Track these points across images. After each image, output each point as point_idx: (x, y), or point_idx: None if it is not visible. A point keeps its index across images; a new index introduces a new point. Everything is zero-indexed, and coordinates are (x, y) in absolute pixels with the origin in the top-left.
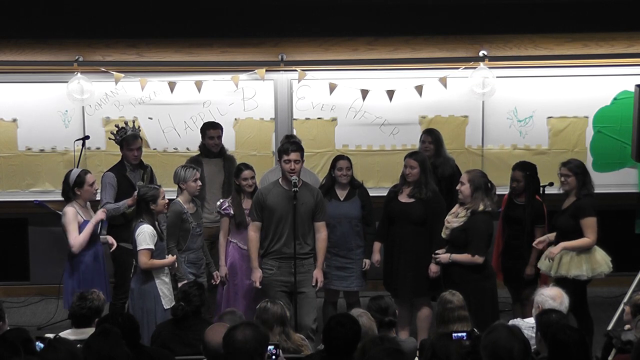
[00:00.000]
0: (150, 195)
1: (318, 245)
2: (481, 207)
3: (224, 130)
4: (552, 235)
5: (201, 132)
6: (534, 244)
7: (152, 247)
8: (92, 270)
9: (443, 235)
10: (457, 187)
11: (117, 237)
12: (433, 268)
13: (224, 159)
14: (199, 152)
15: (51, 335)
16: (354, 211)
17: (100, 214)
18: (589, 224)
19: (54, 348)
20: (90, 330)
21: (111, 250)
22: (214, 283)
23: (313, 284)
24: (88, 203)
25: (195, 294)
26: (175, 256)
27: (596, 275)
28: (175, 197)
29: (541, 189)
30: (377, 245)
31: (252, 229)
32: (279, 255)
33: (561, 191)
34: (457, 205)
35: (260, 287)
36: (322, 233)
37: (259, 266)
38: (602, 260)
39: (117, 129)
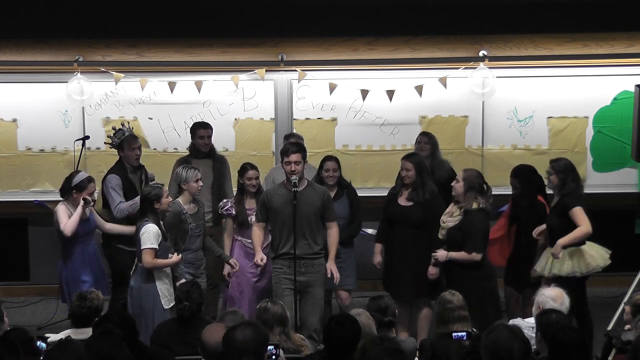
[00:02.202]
0: (154, 194)
1: (329, 240)
2: (475, 206)
3: (221, 130)
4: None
5: (191, 132)
6: (534, 233)
7: (157, 246)
8: (83, 272)
9: (440, 236)
10: (452, 184)
11: (115, 238)
12: (432, 270)
13: (213, 160)
14: (188, 153)
15: (52, 335)
16: (343, 211)
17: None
18: (577, 213)
19: (61, 349)
20: (90, 330)
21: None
22: (230, 273)
23: (329, 276)
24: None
25: (196, 292)
26: (180, 256)
27: (591, 270)
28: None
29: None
30: (378, 247)
31: (257, 227)
32: (286, 256)
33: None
34: (451, 205)
35: (262, 264)
36: (333, 229)
37: (270, 268)
38: (596, 254)
39: (113, 131)
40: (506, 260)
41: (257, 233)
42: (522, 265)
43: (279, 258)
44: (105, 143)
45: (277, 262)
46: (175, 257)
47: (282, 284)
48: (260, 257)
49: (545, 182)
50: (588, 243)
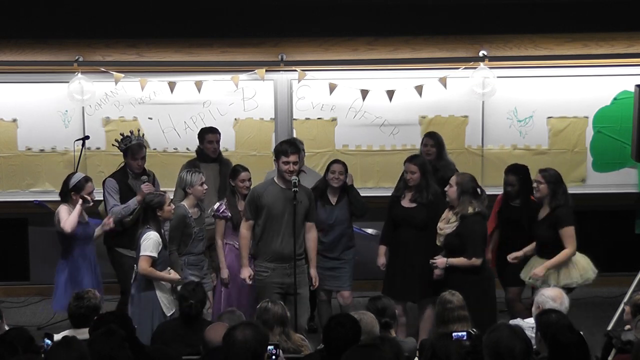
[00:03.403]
0: (156, 202)
1: (310, 245)
2: (470, 210)
3: (221, 130)
4: (529, 249)
5: (199, 137)
6: (509, 258)
7: (155, 255)
8: (82, 272)
9: (437, 243)
10: (445, 189)
11: (115, 242)
12: (437, 271)
13: (220, 164)
14: (195, 157)
15: (55, 334)
16: (345, 214)
17: (107, 221)
18: (568, 233)
19: (66, 347)
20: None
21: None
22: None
23: (313, 283)
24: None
25: (201, 292)
26: (178, 277)
27: (584, 281)
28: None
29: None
30: (382, 249)
31: (244, 227)
32: (273, 256)
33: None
34: (447, 210)
35: (251, 283)
36: (312, 233)
37: (252, 268)
38: (587, 266)
39: (121, 136)
40: (494, 260)
41: (246, 236)
42: (509, 265)
43: (261, 258)
44: (112, 145)
45: (260, 264)
46: (174, 276)
47: (270, 289)
48: (249, 274)
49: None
50: (578, 254)
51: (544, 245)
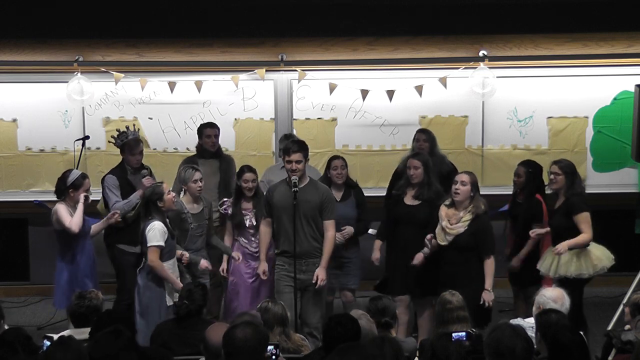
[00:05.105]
0: (156, 193)
1: (324, 243)
2: (483, 207)
3: (221, 130)
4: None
5: (198, 132)
6: (530, 233)
7: (162, 244)
8: (83, 269)
9: (443, 242)
10: (457, 187)
11: (117, 239)
12: (419, 257)
13: (220, 160)
14: (195, 153)
15: (55, 335)
16: (350, 211)
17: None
18: (583, 219)
19: (64, 346)
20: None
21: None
22: (223, 269)
23: (313, 281)
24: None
25: (199, 293)
26: (181, 285)
27: (598, 271)
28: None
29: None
30: (377, 244)
31: (263, 225)
32: (286, 253)
33: (549, 190)
34: (445, 208)
35: (265, 278)
36: (329, 232)
37: (273, 263)
38: (602, 255)
39: (117, 132)
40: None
41: (264, 232)
42: (522, 265)
43: (281, 255)
44: (109, 142)
45: (280, 259)
46: (178, 282)
47: (283, 281)
48: (263, 270)
49: (547, 182)
50: (592, 244)
51: (559, 235)
